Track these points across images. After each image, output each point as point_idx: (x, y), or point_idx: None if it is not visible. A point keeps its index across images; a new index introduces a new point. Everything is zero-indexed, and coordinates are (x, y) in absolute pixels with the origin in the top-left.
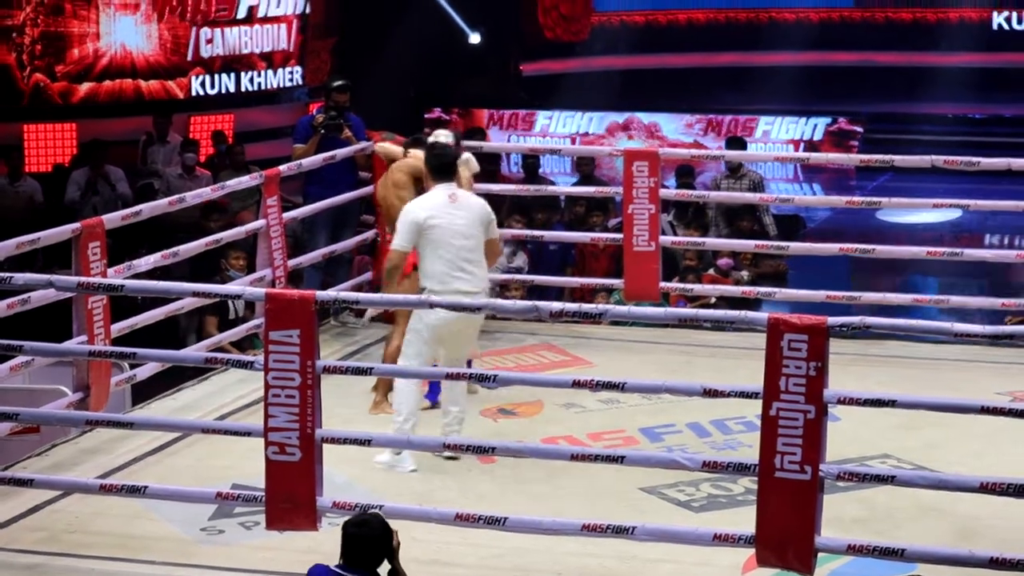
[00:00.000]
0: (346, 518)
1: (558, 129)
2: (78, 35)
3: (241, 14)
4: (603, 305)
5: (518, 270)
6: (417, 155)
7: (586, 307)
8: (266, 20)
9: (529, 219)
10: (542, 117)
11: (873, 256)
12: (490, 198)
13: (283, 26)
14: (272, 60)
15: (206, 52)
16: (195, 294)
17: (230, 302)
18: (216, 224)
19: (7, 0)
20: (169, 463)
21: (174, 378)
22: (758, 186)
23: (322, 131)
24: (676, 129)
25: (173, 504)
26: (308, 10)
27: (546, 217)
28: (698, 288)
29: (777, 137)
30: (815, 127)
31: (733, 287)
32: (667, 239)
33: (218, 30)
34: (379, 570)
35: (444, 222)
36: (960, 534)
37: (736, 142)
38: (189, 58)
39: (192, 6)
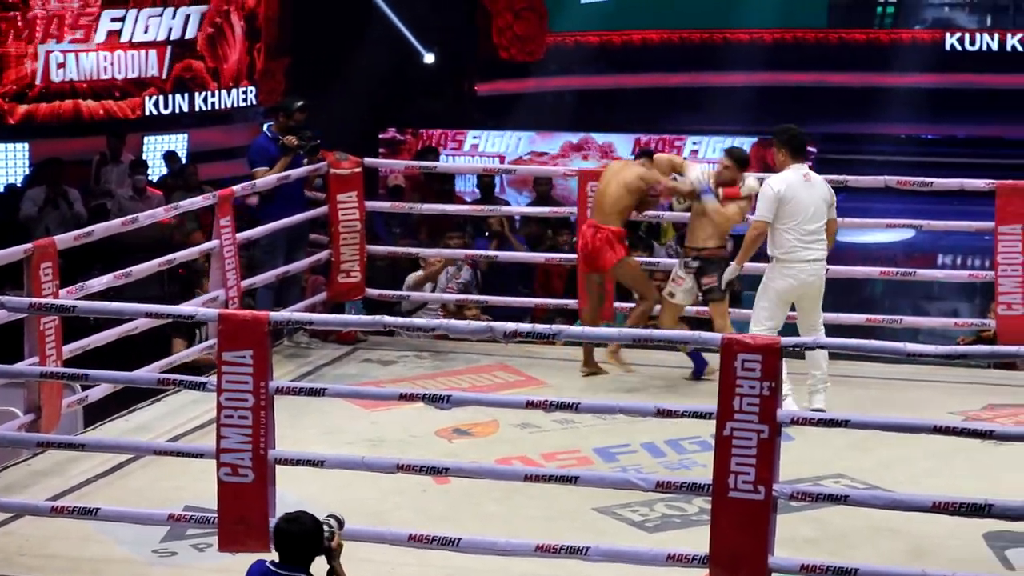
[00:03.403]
0: None
1: (487, 148)
2: (15, 56)
3: (100, 39)
4: (557, 326)
5: (466, 285)
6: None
7: (540, 327)
8: (132, 46)
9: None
10: (471, 137)
11: (827, 276)
12: (445, 218)
13: (152, 52)
14: (221, 79)
15: (57, 77)
16: (148, 315)
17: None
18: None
19: None
20: (121, 485)
21: (128, 399)
22: None
23: (300, 153)
24: (631, 149)
25: (125, 526)
26: (193, 35)
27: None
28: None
29: (704, 156)
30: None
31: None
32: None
33: (71, 55)
34: (319, 570)
35: (799, 197)
36: (913, 553)
37: (644, 155)
38: (39, 82)
39: (43, 29)
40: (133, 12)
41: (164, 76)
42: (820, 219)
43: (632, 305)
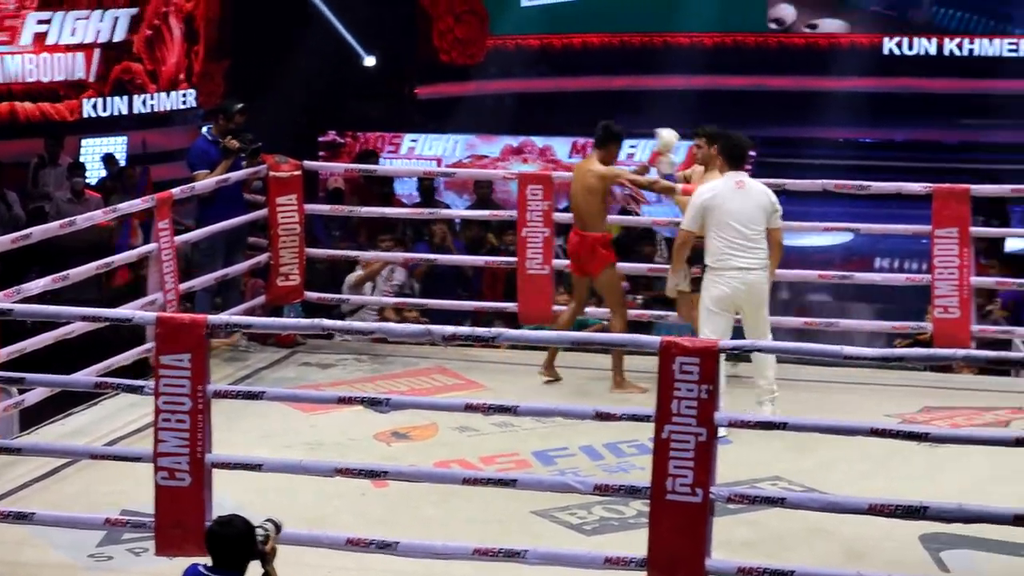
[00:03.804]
0: None
1: (424, 151)
2: None
3: (26, 41)
4: (496, 328)
5: (400, 287)
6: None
7: (479, 330)
8: (58, 49)
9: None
10: (408, 140)
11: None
12: (384, 221)
13: (80, 55)
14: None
15: None
16: (84, 318)
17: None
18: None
19: None
20: (57, 489)
21: (65, 403)
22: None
23: (241, 156)
24: (570, 152)
25: (61, 531)
26: (123, 38)
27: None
28: (591, 311)
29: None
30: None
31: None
32: (561, 262)
33: None
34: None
35: (728, 205)
36: (849, 555)
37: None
38: None
39: None
40: (60, 15)
41: (92, 79)
42: (755, 227)
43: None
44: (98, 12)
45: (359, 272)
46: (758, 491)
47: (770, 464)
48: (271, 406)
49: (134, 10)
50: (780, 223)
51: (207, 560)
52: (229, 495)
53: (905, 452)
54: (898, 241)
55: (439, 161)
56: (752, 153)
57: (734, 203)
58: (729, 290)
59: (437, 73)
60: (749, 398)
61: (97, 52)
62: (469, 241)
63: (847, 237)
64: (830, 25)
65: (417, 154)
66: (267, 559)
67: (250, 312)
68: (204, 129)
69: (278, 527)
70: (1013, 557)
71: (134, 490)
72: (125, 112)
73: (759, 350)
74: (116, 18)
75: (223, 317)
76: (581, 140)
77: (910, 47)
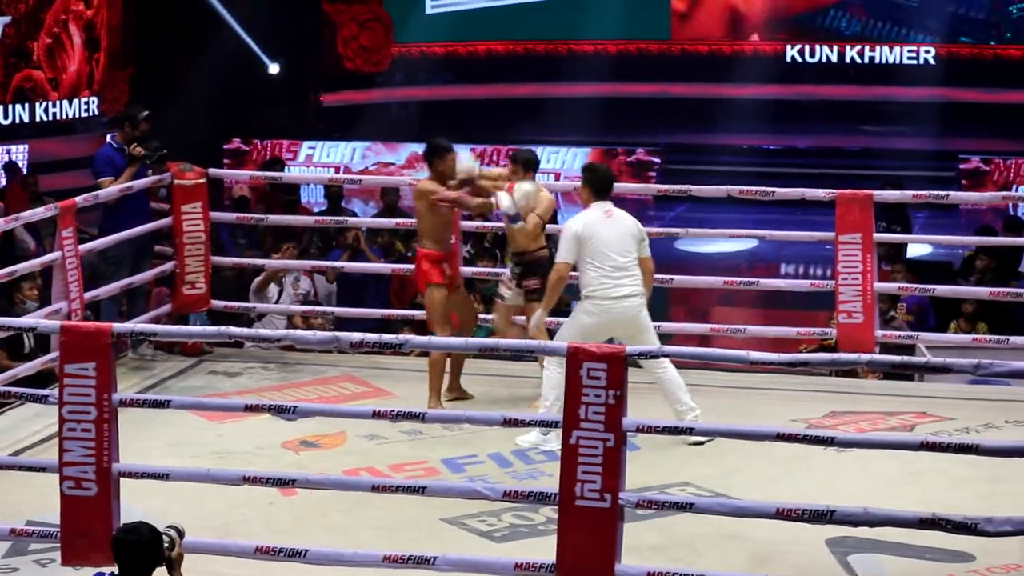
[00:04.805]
0: None
1: (322, 159)
2: None
3: None
4: (403, 335)
5: (306, 295)
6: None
7: (386, 337)
8: None
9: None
10: (306, 147)
11: (671, 286)
12: (291, 229)
13: None
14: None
15: None
16: None
17: (24, 336)
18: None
19: None
20: None
21: None
22: None
23: (147, 163)
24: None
25: None
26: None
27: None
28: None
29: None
30: (576, 156)
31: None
32: (467, 269)
33: None
34: None
35: (601, 234)
36: (758, 560)
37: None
38: None
39: None
40: None
41: None
42: (627, 255)
43: (491, 317)
44: None
45: (260, 277)
46: (667, 496)
47: (679, 469)
48: (178, 415)
49: (5, 19)
50: (648, 251)
51: (113, 569)
52: (137, 504)
53: (811, 457)
54: (803, 247)
55: (337, 168)
56: (657, 160)
57: (606, 232)
58: (603, 320)
59: (342, 81)
60: (654, 403)
61: None
62: (378, 248)
63: (752, 244)
64: None
65: (315, 161)
66: (174, 566)
67: (156, 320)
68: (109, 137)
69: (181, 533)
70: (918, 560)
71: (40, 500)
72: (26, 120)
73: (665, 355)
74: None
75: (128, 325)
76: (485, 148)
77: (812, 54)
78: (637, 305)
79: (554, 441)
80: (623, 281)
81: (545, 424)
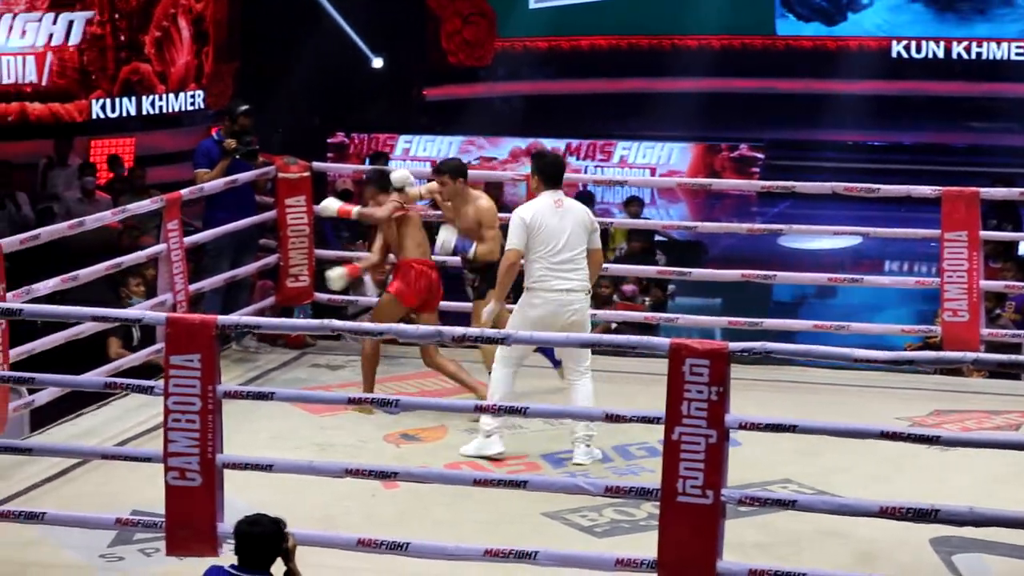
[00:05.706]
0: None
1: (419, 152)
2: None
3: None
4: (506, 330)
5: None
6: None
7: (489, 331)
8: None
9: None
10: (402, 141)
11: (774, 282)
12: None
13: (31, 58)
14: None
15: None
16: (94, 318)
17: (132, 327)
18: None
19: None
20: (68, 489)
21: (76, 403)
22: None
23: (237, 156)
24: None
25: (72, 531)
26: (77, 41)
27: None
28: (602, 314)
29: (634, 161)
30: (671, 152)
31: (635, 313)
32: None
33: None
34: (274, 570)
35: (549, 225)
36: (860, 558)
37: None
38: None
39: None
40: (8, 17)
41: (43, 83)
42: (575, 247)
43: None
44: (50, 15)
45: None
46: (769, 494)
47: (781, 467)
48: (281, 407)
49: (89, 13)
50: (599, 243)
51: (221, 561)
52: (240, 496)
53: (916, 455)
54: (907, 244)
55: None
56: (760, 156)
57: (555, 223)
58: (547, 312)
59: (445, 75)
60: (755, 400)
61: (49, 56)
62: None
63: (856, 240)
64: None
65: (412, 155)
66: (290, 556)
67: (260, 313)
68: (215, 130)
69: (283, 525)
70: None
71: (145, 490)
72: (134, 113)
73: (771, 352)
74: (71, 21)
75: (233, 318)
76: (575, 142)
77: (918, 50)
78: (580, 300)
79: (496, 445)
80: (568, 275)
81: (648, 420)
